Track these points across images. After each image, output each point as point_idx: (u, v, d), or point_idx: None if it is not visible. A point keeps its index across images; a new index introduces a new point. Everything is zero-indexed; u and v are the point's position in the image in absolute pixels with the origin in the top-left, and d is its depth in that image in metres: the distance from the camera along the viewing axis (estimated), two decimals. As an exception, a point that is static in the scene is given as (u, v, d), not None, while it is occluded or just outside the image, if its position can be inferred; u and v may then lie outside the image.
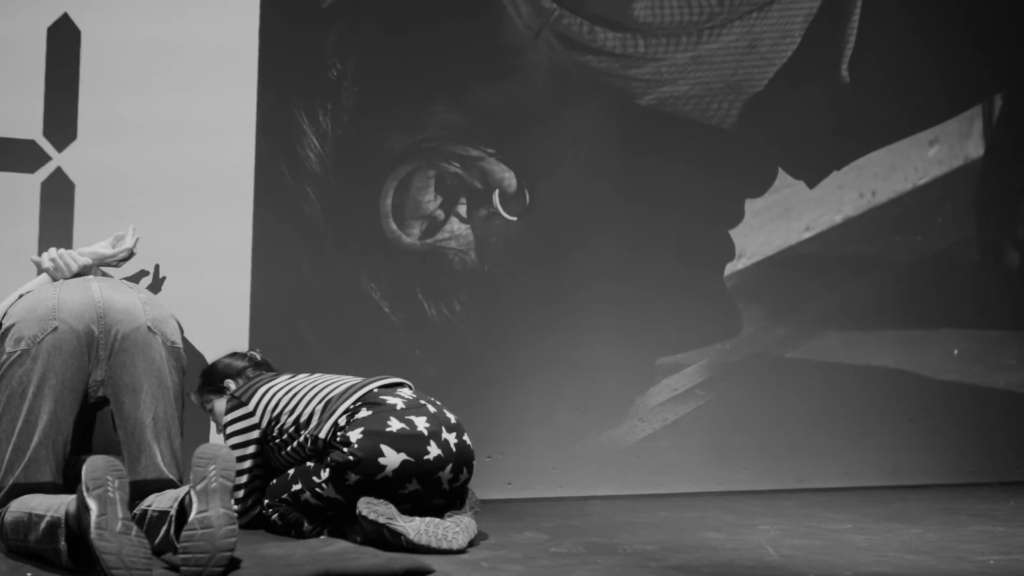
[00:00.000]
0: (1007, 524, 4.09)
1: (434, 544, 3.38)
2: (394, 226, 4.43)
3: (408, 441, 3.49)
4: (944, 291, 5.05)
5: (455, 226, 4.49)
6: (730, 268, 4.82)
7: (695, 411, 4.74)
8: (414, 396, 3.66)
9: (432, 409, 3.61)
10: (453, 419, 3.62)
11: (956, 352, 5.04)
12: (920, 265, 5.04)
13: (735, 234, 4.82)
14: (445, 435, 3.56)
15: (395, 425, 3.50)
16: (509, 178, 4.55)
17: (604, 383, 4.63)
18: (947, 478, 4.71)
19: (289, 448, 3.59)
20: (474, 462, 3.64)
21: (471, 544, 3.48)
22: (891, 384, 4.95)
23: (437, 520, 3.46)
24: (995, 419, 5.05)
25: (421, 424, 3.54)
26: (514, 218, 4.55)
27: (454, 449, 3.56)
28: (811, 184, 4.91)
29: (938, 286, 5.05)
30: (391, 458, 3.45)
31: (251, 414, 3.64)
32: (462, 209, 4.50)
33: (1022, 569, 3.36)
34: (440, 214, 4.48)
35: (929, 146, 5.06)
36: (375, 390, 3.63)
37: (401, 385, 3.71)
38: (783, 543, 3.72)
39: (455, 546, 3.40)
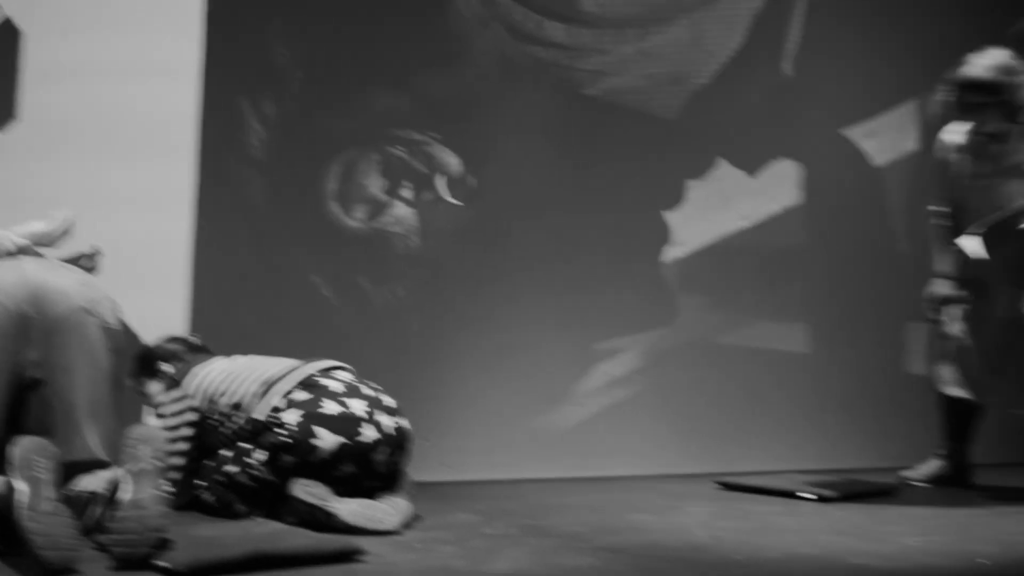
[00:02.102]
0: (927, 506, 4.18)
1: (368, 525, 3.42)
2: (338, 210, 4.45)
3: (345, 424, 3.52)
4: (879, 282, 5.13)
5: (400, 210, 4.52)
6: (668, 256, 4.89)
7: (630, 396, 4.81)
8: (353, 380, 3.69)
9: (370, 393, 3.65)
10: (391, 403, 3.66)
11: (886, 341, 5.11)
12: (857, 256, 5.11)
13: (674, 222, 4.88)
14: (382, 418, 3.60)
15: (332, 408, 3.54)
16: (454, 163, 4.59)
17: (542, 368, 4.68)
18: (874, 462, 4.80)
19: (225, 429, 3.62)
20: (410, 445, 3.68)
21: (405, 526, 3.52)
22: (823, 371, 5.03)
23: (371, 502, 3.50)
24: (919, 405, 5.13)
25: (358, 407, 3.58)
26: (459, 203, 4.59)
27: (391, 433, 3.60)
28: (751, 173, 4.97)
29: (874, 277, 5.13)
30: (327, 440, 3.49)
31: (188, 395, 3.67)
32: (407, 193, 4.53)
33: (940, 549, 3.46)
34: (385, 198, 4.51)
35: (866, 139, 5.14)
36: (314, 373, 3.66)
37: (340, 369, 3.75)
38: (713, 525, 3.79)
39: (389, 527, 3.44)
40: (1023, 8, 5.39)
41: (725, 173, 4.94)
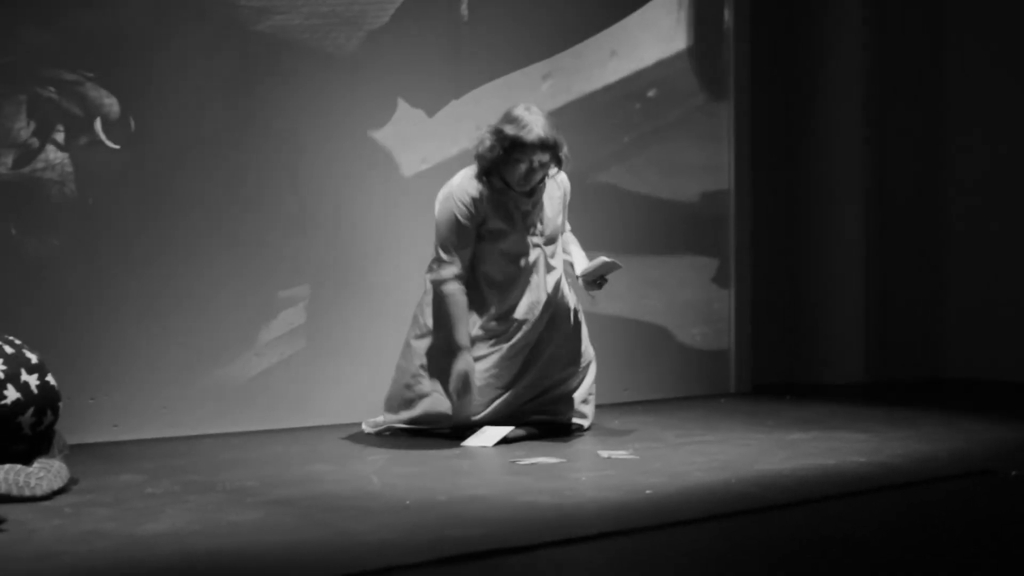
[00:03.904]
0: (605, 443, 4.27)
1: (15, 492, 3.23)
2: (-18, 155, 4.11)
3: (-19, 385, 3.27)
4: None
5: (52, 155, 4.21)
6: (348, 200, 4.78)
7: (311, 344, 4.69)
8: (-11, 336, 3.42)
9: (9, 350, 3.39)
10: (34, 359, 3.42)
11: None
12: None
13: (353, 165, 4.78)
14: (25, 377, 3.36)
15: (-34, 368, 3.27)
16: (111, 104, 4.30)
17: (218, 318, 4.49)
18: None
19: None
20: (60, 403, 3.45)
21: (62, 490, 3.33)
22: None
23: (20, 467, 3.29)
24: (608, 343, 5.29)
25: (-3, 366, 3.32)
26: (118, 147, 4.31)
27: (36, 391, 3.37)
28: (430, 114, 4.92)
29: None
30: (-37, 404, 3.23)
31: None
32: (59, 137, 4.22)
33: (611, 484, 3.52)
34: (35, 142, 4.19)
35: (543, 80, 5.17)
36: (-51, 332, 3.37)
37: (-26, 325, 3.47)
38: (389, 471, 3.74)
39: (38, 492, 3.26)
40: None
41: (403, 114, 4.86)
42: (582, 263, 4.43)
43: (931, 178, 6.45)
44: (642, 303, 5.47)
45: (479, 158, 4.24)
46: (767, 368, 5.97)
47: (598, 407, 4.65)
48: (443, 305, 4.24)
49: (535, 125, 4.16)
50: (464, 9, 5.00)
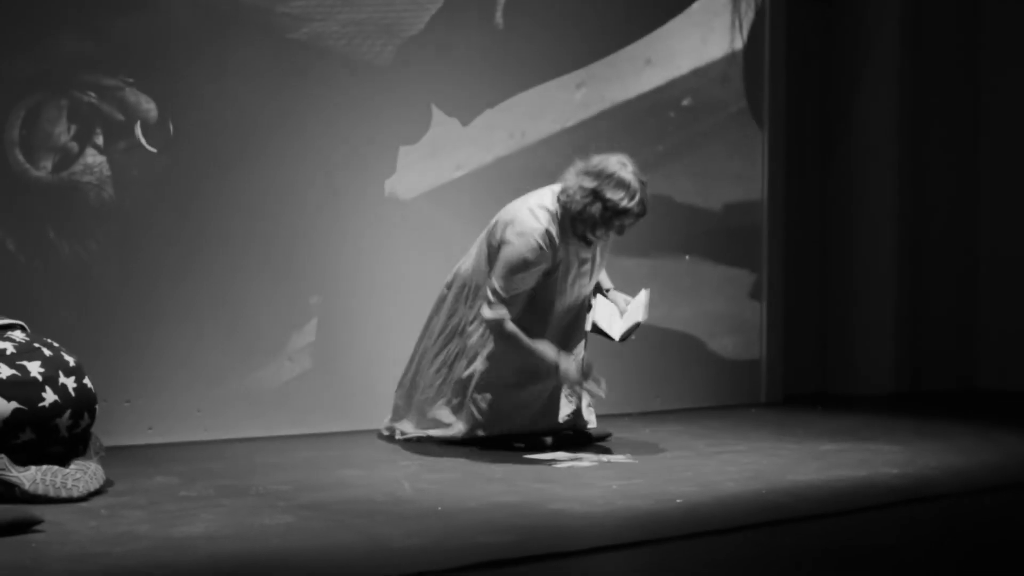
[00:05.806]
0: (637, 453, 4.27)
1: (52, 493, 3.27)
2: (22, 159, 4.16)
3: (20, 388, 3.32)
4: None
5: (91, 159, 4.26)
6: (382, 204, 4.80)
7: (345, 348, 4.71)
8: (27, 339, 3.46)
9: (48, 352, 3.43)
10: (72, 361, 3.46)
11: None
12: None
13: (386, 171, 4.80)
14: (63, 379, 3.39)
15: (4, 372, 3.31)
16: (150, 109, 4.35)
17: (252, 322, 4.52)
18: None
19: None
20: (96, 406, 3.49)
21: (97, 492, 3.37)
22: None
23: (56, 468, 3.34)
24: (639, 352, 5.27)
25: (35, 369, 3.36)
26: (153, 150, 4.35)
27: (73, 394, 3.41)
28: (464, 122, 4.94)
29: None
30: (1, 407, 3.27)
31: None
32: (99, 141, 4.27)
33: (640, 492, 3.53)
34: (74, 146, 4.23)
35: (577, 89, 5.18)
36: (-17, 334, 3.42)
37: (12, 327, 3.51)
38: (421, 477, 3.76)
39: (75, 494, 3.31)
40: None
41: (437, 121, 4.87)
42: (615, 319, 4.30)
43: (964, 189, 6.41)
44: (673, 312, 5.46)
45: (568, 212, 4.08)
46: (798, 378, 5.94)
47: (629, 416, 4.66)
48: (511, 341, 4.09)
49: (639, 191, 4.05)
50: (499, 18, 5.02)
